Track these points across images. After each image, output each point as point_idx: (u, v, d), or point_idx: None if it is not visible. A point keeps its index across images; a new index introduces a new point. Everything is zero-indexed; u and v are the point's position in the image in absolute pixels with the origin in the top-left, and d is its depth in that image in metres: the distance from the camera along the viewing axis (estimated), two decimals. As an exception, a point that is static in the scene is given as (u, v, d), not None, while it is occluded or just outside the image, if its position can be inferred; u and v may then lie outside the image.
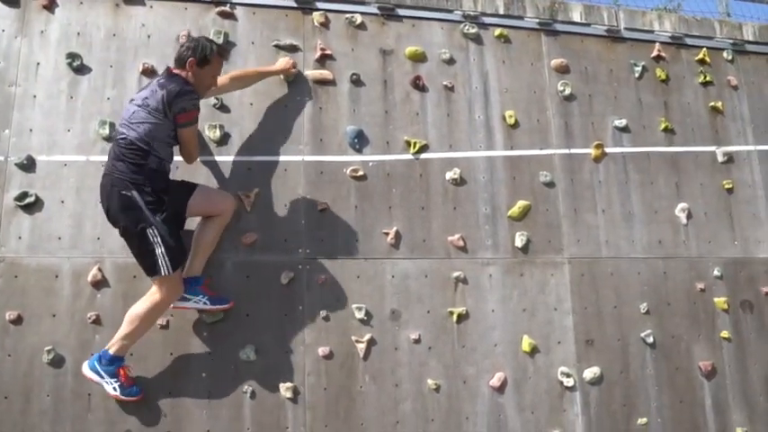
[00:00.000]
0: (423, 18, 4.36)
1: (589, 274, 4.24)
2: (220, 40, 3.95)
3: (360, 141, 4.02)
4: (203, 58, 3.35)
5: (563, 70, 4.55)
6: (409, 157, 4.11)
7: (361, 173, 3.97)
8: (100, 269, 3.55)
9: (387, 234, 3.93)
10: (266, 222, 3.80)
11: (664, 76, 4.80)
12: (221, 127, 3.86)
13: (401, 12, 4.33)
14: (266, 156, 3.88)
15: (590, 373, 4.06)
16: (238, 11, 4.08)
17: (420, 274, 3.94)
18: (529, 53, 4.53)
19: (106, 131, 3.71)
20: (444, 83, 4.28)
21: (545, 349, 4.04)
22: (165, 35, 3.95)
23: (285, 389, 3.60)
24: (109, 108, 3.77)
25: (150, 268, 3.24)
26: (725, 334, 4.39)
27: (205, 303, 3.49)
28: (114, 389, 3.30)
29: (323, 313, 3.74)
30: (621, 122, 4.57)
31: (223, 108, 3.90)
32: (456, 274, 3.99)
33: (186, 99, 3.24)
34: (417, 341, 3.84)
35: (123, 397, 3.33)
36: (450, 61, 4.34)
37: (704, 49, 4.97)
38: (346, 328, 3.75)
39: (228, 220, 3.61)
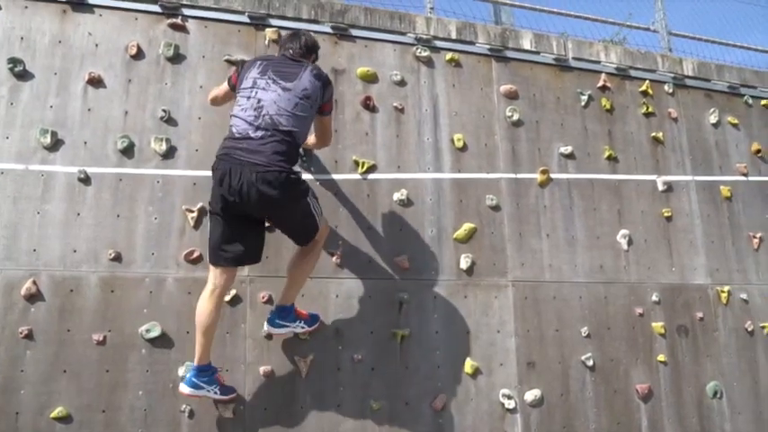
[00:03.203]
0: (375, 39, 4.41)
1: (532, 298, 4.30)
2: (170, 53, 3.92)
3: (308, 159, 4.01)
4: (317, 54, 3.63)
5: (512, 96, 4.65)
6: (357, 176, 4.12)
7: (308, 191, 3.96)
8: (35, 282, 3.44)
9: (332, 253, 3.92)
10: (210, 238, 3.74)
11: (609, 106, 4.95)
12: (168, 140, 3.81)
13: (354, 32, 4.36)
14: (213, 171, 3.83)
15: (531, 395, 4.11)
16: (190, 24, 4.06)
17: (365, 295, 3.93)
18: (479, 78, 4.62)
19: (47, 140, 3.61)
20: (395, 104, 4.32)
21: (487, 371, 4.07)
22: (113, 45, 3.89)
23: (224, 408, 3.53)
24: (51, 116, 3.68)
25: (311, 232, 3.45)
26: (661, 357, 4.51)
27: (302, 327, 3.66)
28: (215, 393, 3.37)
29: (265, 332, 3.69)
30: (567, 149, 4.68)
31: (170, 121, 3.85)
32: (401, 294, 4.00)
33: (332, 87, 3.51)
34: (360, 361, 3.83)
35: (224, 397, 3.45)
36: (402, 83, 4.39)
37: (647, 81, 5.15)
38: (288, 346, 3.71)
39: (323, 244, 3.69)
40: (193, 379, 3.29)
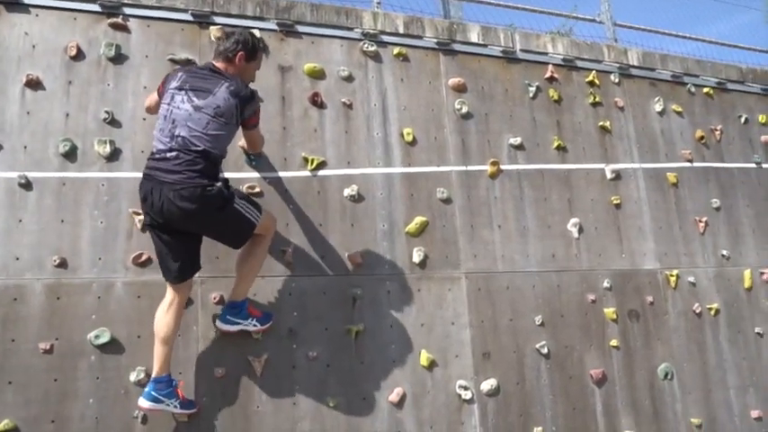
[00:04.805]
0: (322, 35, 4.39)
1: (485, 289, 4.34)
2: (112, 53, 3.84)
3: (255, 158, 3.97)
4: (253, 52, 3.43)
5: (460, 89, 4.68)
6: (307, 173, 4.10)
7: (257, 189, 3.93)
8: (-24, 291, 3.34)
9: (284, 251, 3.90)
10: (159, 240, 3.68)
11: (556, 97, 5.01)
12: (112, 142, 3.73)
13: (300, 28, 4.34)
14: (159, 172, 3.77)
15: (487, 385, 4.15)
16: (132, 23, 3.98)
17: (318, 292, 3.92)
18: (427, 72, 4.63)
19: (-16, 145, 3.51)
20: (343, 100, 4.31)
21: (443, 363, 4.10)
22: (51, 45, 3.79)
23: (180, 413, 3.48)
24: (-12, 120, 3.58)
25: (246, 233, 3.39)
26: (614, 342, 4.60)
27: (255, 325, 3.61)
28: (175, 407, 3.32)
29: (218, 333, 3.65)
30: (516, 140, 4.73)
31: (114, 123, 3.78)
32: (354, 290, 4.00)
33: (255, 102, 3.38)
34: (315, 359, 3.81)
35: (185, 411, 3.40)
36: (349, 78, 4.37)
37: (594, 71, 5.23)
38: (242, 347, 3.68)
39: (271, 237, 3.63)
40: (152, 392, 3.25)
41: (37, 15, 3.81)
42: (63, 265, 3.51)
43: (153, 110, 3.55)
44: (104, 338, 3.46)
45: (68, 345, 3.42)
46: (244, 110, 3.30)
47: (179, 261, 3.28)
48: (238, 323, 3.59)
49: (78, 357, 3.42)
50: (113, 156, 3.74)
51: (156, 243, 3.32)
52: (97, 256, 3.59)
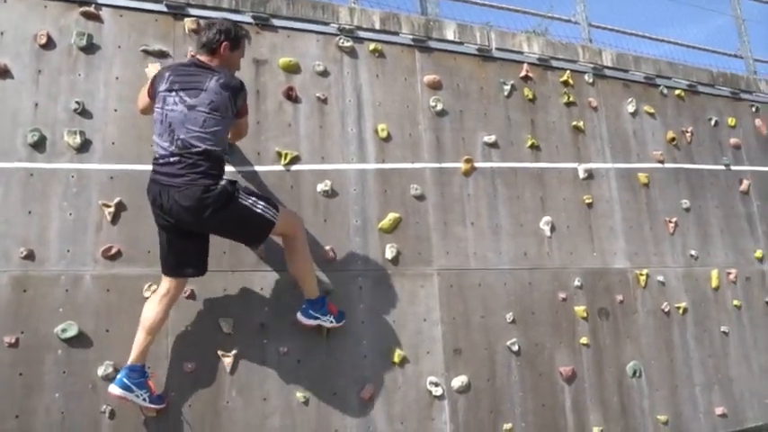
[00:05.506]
0: (298, 29, 4.36)
1: (457, 286, 4.36)
2: (83, 43, 3.78)
3: (229, 152, 3.92)
4: (236, 40, 3.41)
5: (435, 86, 4.68)
6: (280, 168, 4.08)
7: (230, 183, 3.90)
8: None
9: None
10: (129, 233, 3.64)
11: (531, 96, 5.05)
12: (82, 133, 3.67)
13: (276, 22, 4.31)
14: (130, 164, 3.72)
15: (458, 381, 4.17)
16: (104, 12, 3.91)
17: (289, 287, 3.88)
18: (402, 68, 4.63)
19: (-50, 134, 3.44)
20: (318, 95, 4.29)
21: (414, 359, 4.11)
22: (21, 33, 3.71)
23: (147, 407, 3.45)
24: (-45, 110, 3.50)
25: (261, 228, 3.38)
26: (584, 340, 4.66)
27: (331, 321, 3.78)
28: (144, 399, 3.29)
29: (188, 327, 3.63)
30: (491, 138, 4.76)
31: (85, 113, 3.72)
32: (326, 286, 3.99)
33: (244, 91, 3.38)
34: (286, 354, 3.80)
35: (153, 406, 3.35)
36: (324, 73, 4.36)
37: (568, 71, 5.28)
38: (212, 342, 3.65)
39: (303, 235, 3.69)
40: (124, 379, 3.24)
41: (5, 2, 3.73)
42: (30, 257, 3.45)
43: (148, 111, 3.49)
44: (72, 332, 3.41)
45: (34, 338, 3.36)
46: (236, 100, 3.31)
47: (180, 259, 3.33)
48: (318, 318, 3.74)
49: (45, 351, 3.36)
50: (83, 147, 3.68)
51: (162, 238, 3.35)
52: (65, 249, 3.53)
